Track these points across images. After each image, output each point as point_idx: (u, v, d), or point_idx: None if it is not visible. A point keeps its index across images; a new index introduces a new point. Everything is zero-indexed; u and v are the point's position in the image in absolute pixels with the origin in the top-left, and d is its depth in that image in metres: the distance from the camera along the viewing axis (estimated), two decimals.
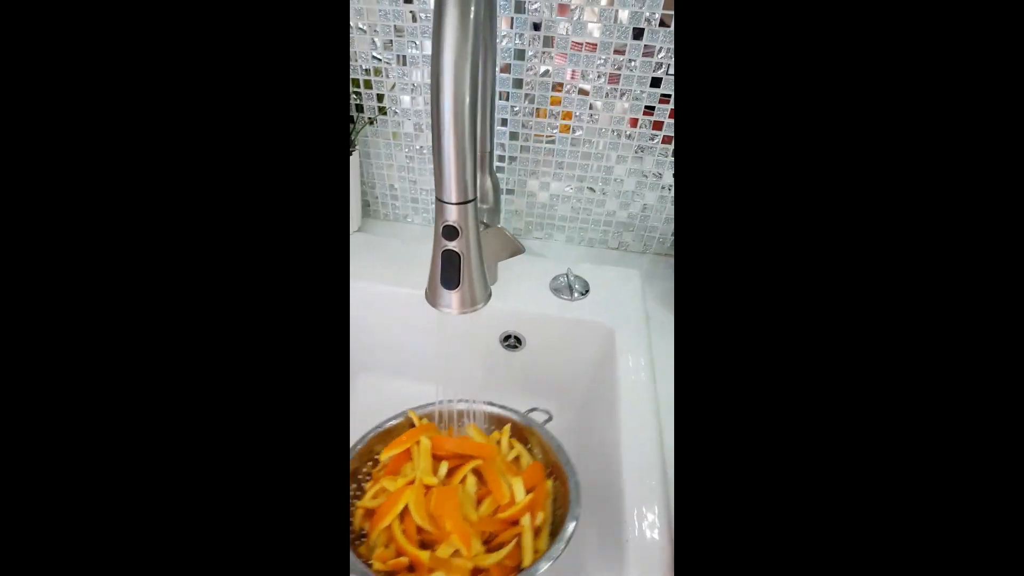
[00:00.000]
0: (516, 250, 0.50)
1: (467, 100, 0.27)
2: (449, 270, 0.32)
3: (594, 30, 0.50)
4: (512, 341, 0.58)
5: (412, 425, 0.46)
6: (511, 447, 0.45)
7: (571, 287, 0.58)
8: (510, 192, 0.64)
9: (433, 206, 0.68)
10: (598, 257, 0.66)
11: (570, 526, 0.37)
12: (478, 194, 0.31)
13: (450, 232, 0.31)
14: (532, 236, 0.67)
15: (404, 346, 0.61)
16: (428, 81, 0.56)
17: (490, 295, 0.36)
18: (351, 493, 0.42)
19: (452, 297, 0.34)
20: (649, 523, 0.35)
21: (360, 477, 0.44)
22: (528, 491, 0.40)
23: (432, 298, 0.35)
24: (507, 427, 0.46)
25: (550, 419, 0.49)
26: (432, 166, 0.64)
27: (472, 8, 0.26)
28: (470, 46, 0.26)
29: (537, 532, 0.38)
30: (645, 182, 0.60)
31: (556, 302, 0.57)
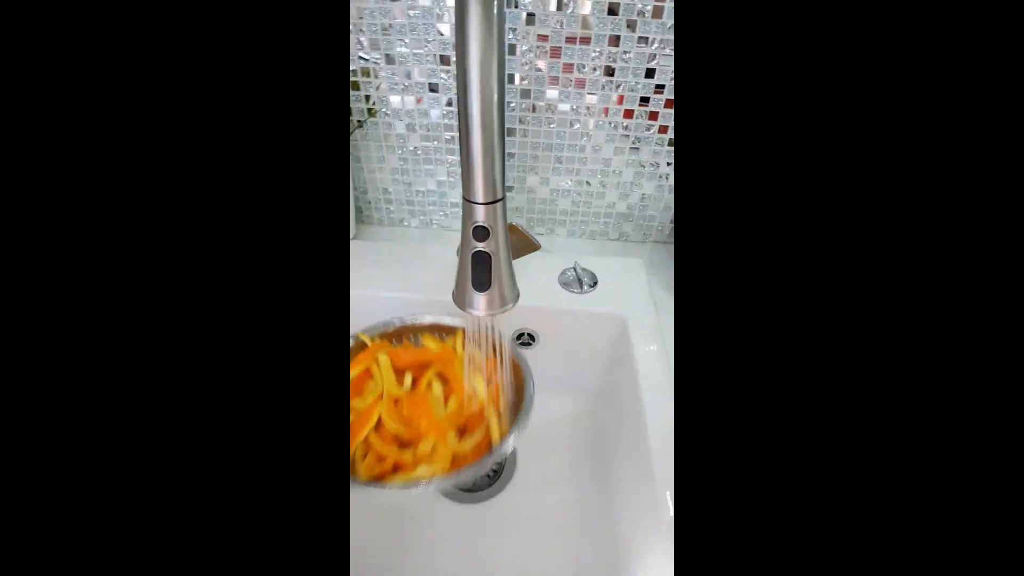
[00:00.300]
0: (532, 247, 0.49)
1: (495, 96, 0.26)
2: (480, 272, 0.32)
3: (587, 22, 0.50)
4: (526, 339, 0.58)
5: (365, 347, 0.47)
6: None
7: (580, 280, 0.57)
8: (509, 189, 0.63)
9: (431, 207, 0.68)
10: (600, 249, 0.65)
11: (527, 403, 0.40)
12: (505, 193, 0.30)
13: (481, 233, 0.30)
14: (535, 232, 0.67)
15: None
16: (421, 80, 0.55)
17: (518, 295, 0.35)
18: None
19: (482, 299, 0.33)
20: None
21: None
22: (487, 384, 0.43)
23: (461, 301, 0.34)
24: (460, 332, 0.48)
25: (523, 338, 0.49)
26: (424, 167, 0.62)
27: (495, 1, 0.25)
28: (495, 39, 0.25)
29: (500, 416, 0.41)
30: (643, 172, 0.60)
31: (566, 296, 0.56)
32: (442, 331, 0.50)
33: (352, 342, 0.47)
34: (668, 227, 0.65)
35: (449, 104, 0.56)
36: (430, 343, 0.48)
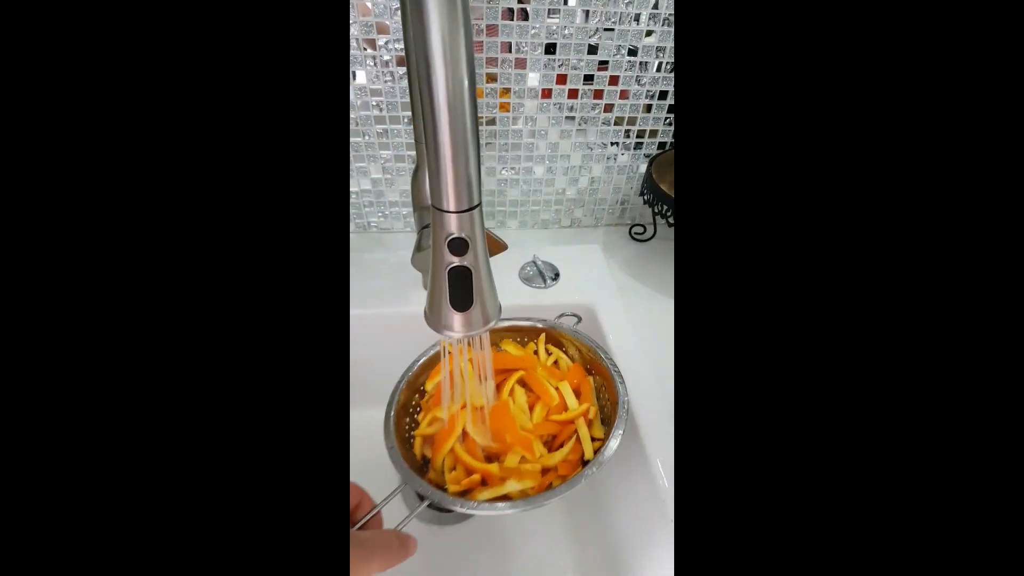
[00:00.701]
0: (499, 247, 0.45)
1: (465, 81, 0.21)
2: (459, 289, 0.27)
3: None
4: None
5: (447, 353, 0.44)
6: (548, 353, 0.45)
7: (542, 274, 0.54)
8: None
9: (367, 208, 0.60)
10: (554, 238, 0.62)
11: (622, 413, 0.38)
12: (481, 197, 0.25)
13: (458, 246, 0.25)
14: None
15: (382, 369, 0.54)
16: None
17: (500, 307, 0.30)
18: (406, 424, 0.41)
19: (462, 319, 0.28)
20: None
21: (411, 409, 0.42)
22: (574, 392, 0.41)
23: (436, 322, 0.29)
24: (541, 336, 0.46)
25: (579, 320, 0.47)
26: (356, 164, 0.55)
27: None
28: (461, 10, 0.20)
29: (590, 424, 0.40)
30: (591, 155, 0.57)
31: (530, 291, 0.52)
32: (522, 334, 0.47)
33: (436, 350, 0.44)
34: (618, 209, 0.63)
35: (378, 94, 0.49)
36: (510, 348, 0.45)
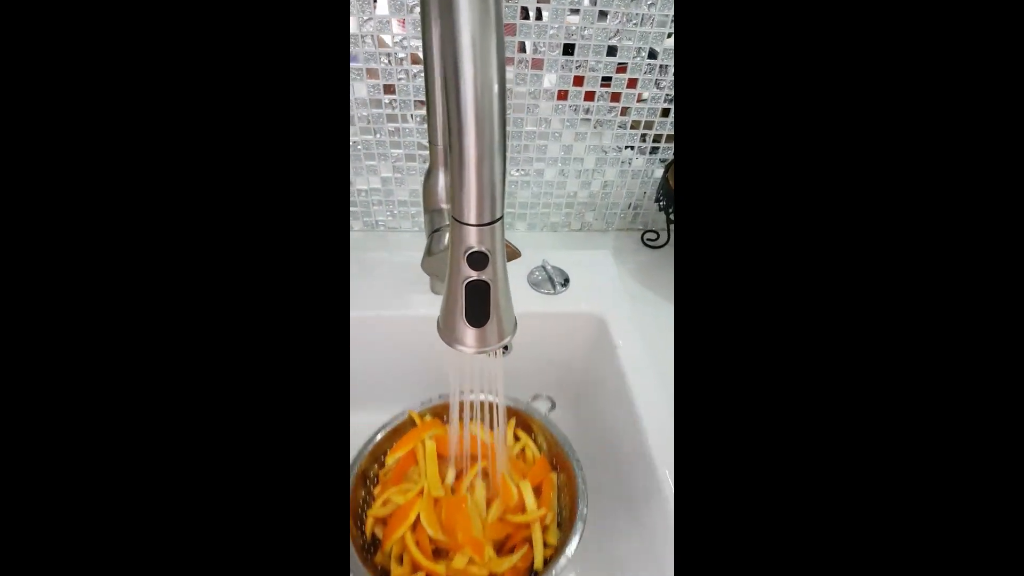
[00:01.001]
0: (514, 255, 0.43)
1: (495, 86, 0.19)
2: (476, 304, 0.25)
3: None
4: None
5: (414, 424, 0.44)
6: (516, 439, 0.43)
7: (551, 279, 0.52)
8: None
9: (376, 207, 0.59)
10: (563, 241, 0.60)
11: (579, 526, 0.37)
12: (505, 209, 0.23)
13: (478, 260, 0.23)
14: None
15: (388, 373, 0.52)
16: (358, 66, 0.45)
17: (516, 323, 0.29)
18: (361, 497, 0.41)
19: (476, 335, 0.27)
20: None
21: (369, 480, 0.42)
22: (535, 488, 0.40)
23: (448, 335, 0.27)
24: (512, 422, 0.45)
25: (553, 407, 0.46)
26: (366, 163, 0.53)
27: None
28: (493, 9, 0.18)
29: (545, 529, 0.39)
30: (605, 158, 0.56)
31: (539, 297, 0.51)
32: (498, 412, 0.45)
33: (405, 418, 0.44)
34: (630, 214, 0.61)
35: (391, 91, 0.48)
36: (479, 432, 0.42)
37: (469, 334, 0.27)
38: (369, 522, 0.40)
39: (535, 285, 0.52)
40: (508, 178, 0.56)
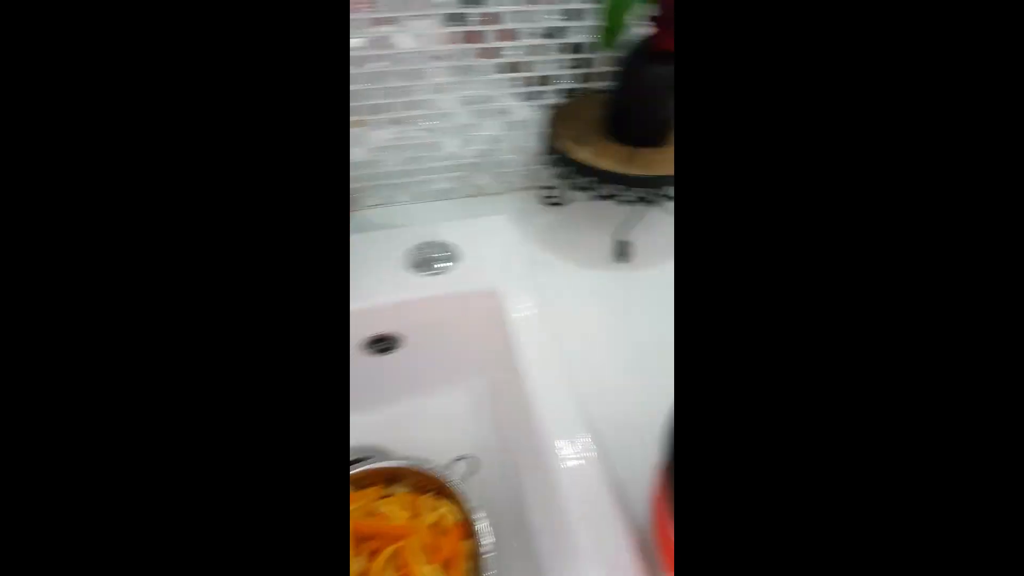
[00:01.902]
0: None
1: None
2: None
3: None
4: (384, 344, 0.45)
5: None
6: (433, 508, 0.40)
7: (433, 258, 0.45)
8: None
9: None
10: (457, 210, 0.53)
11: None
12: None
13: None
14: (366, 206, 0.52)
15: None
16: None
17: None
18: None
19: None
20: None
21: None
22: (445, 562, 0.37)
23: None
24: (428, 496, 0.41)
25: (476, 471, 0.41)
26: None
27: None
28: None
29: None
30: (483, 110, 0.48)
31: (421, 281, 0.44)
32: (426, 485, 0.40)
33: None
34: (526, 171, 0.54)
35: None
36: (398, 512, 0.39)
37: None
38: None
39: (417, 267, 0.45)
40: (369, 146, 0.47)
